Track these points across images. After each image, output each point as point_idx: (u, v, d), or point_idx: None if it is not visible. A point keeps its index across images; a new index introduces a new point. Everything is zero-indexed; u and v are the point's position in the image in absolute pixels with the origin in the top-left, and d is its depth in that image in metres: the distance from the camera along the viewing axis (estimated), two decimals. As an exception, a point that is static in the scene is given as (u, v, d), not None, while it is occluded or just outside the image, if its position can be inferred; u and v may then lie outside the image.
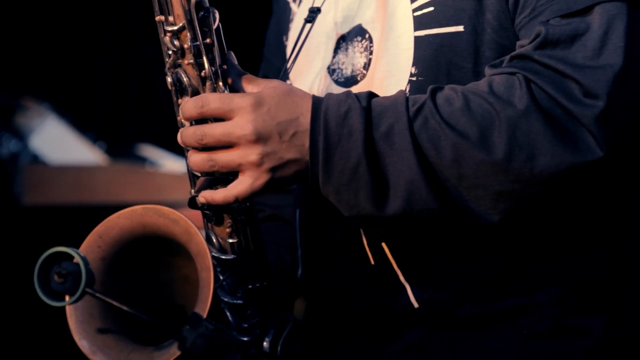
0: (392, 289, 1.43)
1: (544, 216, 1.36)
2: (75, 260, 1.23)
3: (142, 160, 3.32)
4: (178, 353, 1.26)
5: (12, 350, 3.15)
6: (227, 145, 1.29)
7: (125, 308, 1.26)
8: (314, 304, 1.56)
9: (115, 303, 1.25)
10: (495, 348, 1.41)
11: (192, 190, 1.37)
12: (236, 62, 1.35)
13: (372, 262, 1.43)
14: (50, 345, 2.70)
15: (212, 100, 1.29)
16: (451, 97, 1.30)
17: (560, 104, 1.26)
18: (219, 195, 1.31)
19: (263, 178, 1.30)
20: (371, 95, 1.31)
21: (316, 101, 1.31)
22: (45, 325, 2.74)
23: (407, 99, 1.30)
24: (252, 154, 1.28)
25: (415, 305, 1.41)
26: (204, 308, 1.28)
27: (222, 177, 1.31)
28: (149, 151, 3.38)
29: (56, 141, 3.26)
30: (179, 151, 3.53)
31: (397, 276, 1.42)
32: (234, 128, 1.28)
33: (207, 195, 1.31)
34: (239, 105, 1.28)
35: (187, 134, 1.30)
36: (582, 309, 1.41)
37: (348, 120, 1.28)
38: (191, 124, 1.31)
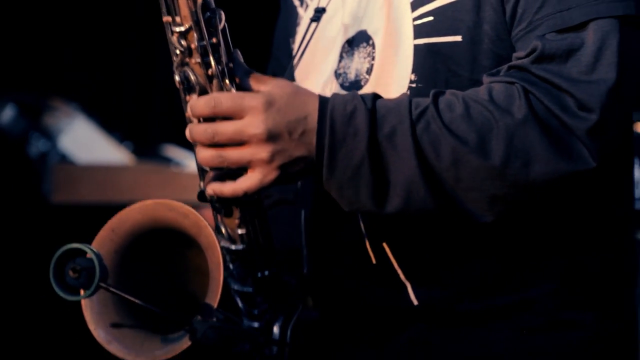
0: (392, 288, 1.43)
1: (539, 216, 1.37)
2: (88, 256, 1.25)
3: (168, 160, 3.31)
4: (189, 343, 1.26)
5: (34, 341, 3.16)
6: (238, 143, 1.30)
7: (137, 301, 1.26)
8: (319, 300, 1.57)
9: (128, 297, 1.26)
10: (492, 342, 1.41)
11: (201, 184, 1.37)
12: (242, 60, 1.36)
13: (374, 262, 1.43)
14: (68, 336, 2.71)
15: (224, 100, 1.29)
16: (453, 102, 1.30)
17: (556, 115, 1.27)
18: (228, 188, 1.31)
19: (272, 174, 1.31)
20: (376, 96, 1.32)
21: (323, 100, 1.32)
22: (64, 317, 2.82)
23: (410, 102, 1.31)
24: (263, 151, 1.29)
25: (415, 302, 1.42)
26: (214, 299, 1.28)
27: (231, 171, 1.32)
28: (174, 152, 3.38)
29: (84, 141, 3.27)
30: None
31: (398, 275, 1.43)
32: (246, 127, 1.29)
33: (215, 188, 1.32)
34: (251, 104, 1.29)
35: (197, 131, 1.31)
36: (575, 304, 1.41)
37: (353, 120, 1.29)
38: (199, 121, 1.32)
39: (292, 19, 1.64)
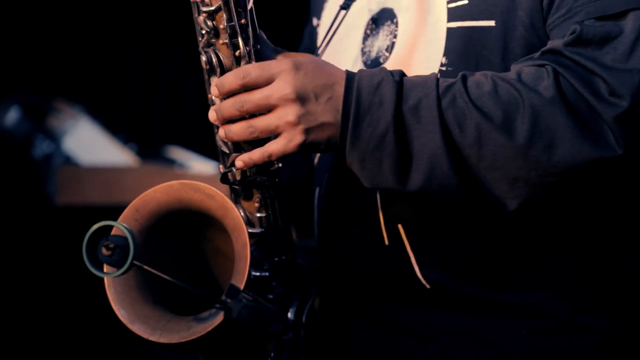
0: (403, 269, 1.44)
1: (558, 213, 1.38)
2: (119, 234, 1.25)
3: (172, 162, 3.33)
4: (217, 323, 1.27)
5: (52, 329, 3.17)
6: (266, 112, 1.31)
7: (171, 279, 1.26)
8: (328, 276, 1.58)
9: (162, 275, 1.26)
10: (504, 342, 1.41)
11: (221, 167, 1.39)
12: (267, 40, 1.38)
13: (387, 243, 1.43)
14: (91, 320, 2.78)
15: (251, 69, 1.31)
16: (481, 81, 1.31)
17: (585, 99, 1.27)
18: (256, 154, 1.32)
19: (298, 139, 1.31)
20: (404, 72, 1.33)
21: (350, 73, 1.33)
22: (82, 304, 2.83)
23: (437, 78, 1.31)
24: (290, 113, 1.30)
25: (427, 286, 1.42)
26: (241, 280, 1.29)
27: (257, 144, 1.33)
28: (178, 153, 3.39)
29: (88, 143, 3.28)
30: (207, 153, 3.51)
31: (409, 258, 1.43)
32: (273, 90, 1.30)
33: (244, 159, 1.34)
34: (279, 68, 1.30)
35: (226, 105, 1.31)
36: (589, 308, 1.41)
37: (380, 91, 1.30)
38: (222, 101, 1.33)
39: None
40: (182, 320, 1.33)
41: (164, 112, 4.38)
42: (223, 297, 1.27)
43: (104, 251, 1.22)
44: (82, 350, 3.13)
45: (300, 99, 1.29)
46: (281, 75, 1.30)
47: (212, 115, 1.33)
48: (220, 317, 1.26)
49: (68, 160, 3.24)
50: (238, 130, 1.31)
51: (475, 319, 1.42)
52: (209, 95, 1.35)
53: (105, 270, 1.24)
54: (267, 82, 1.30)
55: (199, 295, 1.27)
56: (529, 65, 1.32)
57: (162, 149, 3.49)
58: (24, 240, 3.09)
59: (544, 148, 1.27)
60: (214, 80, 1.34)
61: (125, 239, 1.22)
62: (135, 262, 1.22)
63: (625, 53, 1.28)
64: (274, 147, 1.31)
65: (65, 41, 4.12)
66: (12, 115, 3.41)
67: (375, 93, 1.29)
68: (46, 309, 3.09)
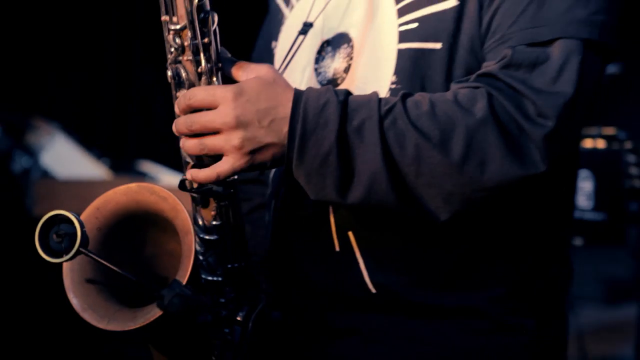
0: (352, 275, 1.43)
1: (491, 222, 1.39)
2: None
3: (143, 175, 3.33)
4: (158, 313, 1.26)
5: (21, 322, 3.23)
6: (215, 132, 1.30)
7: (113, 268, 1.25)
8: (278, 285, 1.56)
9: (105, 262, 1.25)
10: (443, 342, 1.42)
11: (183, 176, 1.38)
12: (229, 55, 1.36)
13: (337, 249, 1.43)
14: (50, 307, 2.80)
15: (197, 93, 1.30)
16: (419, 102, 1.31)
17: (515, 119, 1.28)
18: (202, 174, 1.32)
19: (244, 160, 1.31)
20: (349, 92, 1.32)
21: (297, 93, 1.32)
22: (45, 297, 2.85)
23: (380, 99, 1.31)
24: (234, 138, 1.29)
25: (373, 290, 1.42)
26: (183, 276, 1.28)
27: (210, 162, 1.33)
28: (149, 167, 3.36)
29: (64, 157, 3.34)
30: (176, 167, 3.54)
31: (358, 263, 1.43)
32: (217, 116, 1.29)
33: (193, 173, 1.33)
34: (222, 95, 1.29)
35: (179, 122, 1.31)
36: (520, 310, 1.43)
37: (325, 112, 1.29)
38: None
39: (276, 21, 1.64)
40: (129, 311, 1.32)
41: (136, 128, 4.40)
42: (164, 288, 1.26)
43: (55, 238, 1.22)
44: (60, 351, 3.18)
45: (242, 124, 1.30)
46: (224, 101, 1.29)
47: (173, 127, 1.34)
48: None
49: (45, 174, 3.27)
50: (191, 145, 1.31)
51: (418, 321, 1.43)
52: (176, 111, 1.36)
53: (62, 257, 1.23)
54: (212, 106, 1.30)
55: (138, 284, 1.27)
56: (465, 87, 1.32)
57: (133, 162, 3.50)
58: (5, 246, 3.11)
59: (477, 165, 1.28)
60: (179, 95, 1.34)
61: (75, 227, 1.21)
62: (82, 249, 1.22)
63: (552, 77, 1.30)
64: (221, 167, 1.31)
65: (43, 64, 4.14)
66: (-8, 133, 3.37)
67: (321, 114, 1.29)
68: (23, 312, 3.16)
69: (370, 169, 1.29)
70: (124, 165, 3.48)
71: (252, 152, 1.30)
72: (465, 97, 1.30)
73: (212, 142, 1.30)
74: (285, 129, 1.30)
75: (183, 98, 1.30)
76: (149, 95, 4.10)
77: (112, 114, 4.43)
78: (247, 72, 1.34)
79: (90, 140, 3.59)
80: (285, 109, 1.30)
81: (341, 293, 1.45)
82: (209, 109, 1.30)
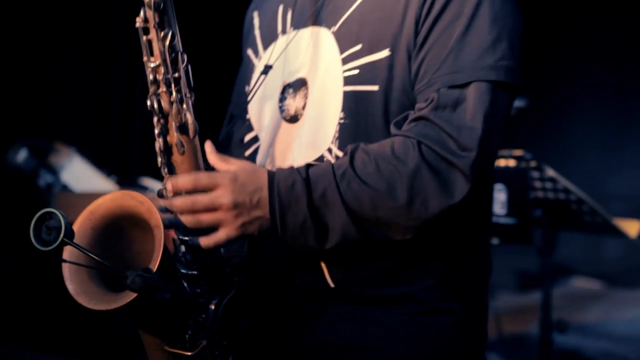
0: (315, 273, 1.53)
1: (427, 233, 1.48)
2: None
3: (145, 188, 3.49)
4: (133, 295, 1.30)
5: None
6: (211, 209, 1.39)
7: (92, 255, 1.30)
8: (254, 278, 1.64)
9: (85, 251, 1.30)
10: (389, 322, 1.52)
11: (177, 236, 1.46)
12: (214, 149, 1.46)
13: (304, 253, 1.51)
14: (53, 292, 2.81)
15: (203, 177, 1.40)
16: (365, 162, 1.40)
17: (444, 158, 1.38)
18: (203, 242, 1.42)
19: (237, 230, 1.41)
20: (308, 167, 1.42)
21: (270, 176, 1.41)
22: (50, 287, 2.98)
23: (333, 167, 1.41)
24: (230, 215, 1.39)
25: (332, 285, 1.52)
26: (153, 265, 1.34)
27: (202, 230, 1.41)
28: (149, 182, 3.59)
29: (80, 175, 3.52)
30: None
31: (320, 264, 1.53)
32: (218, 198, 1.39)
33: (194, 241, 1.42)
34: (222, 181, 1.39)
35: (179, 202, 1.40)
36: (450, 296, 1.54)
37: (294, 191, 1.40)
38: (176, 194, 1.41)
39: (249, 70, 1.72)
40: (113, 295, 1.37)
41: (138, 151, 4.61)
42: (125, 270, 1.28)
43: (46, 231, 1.28)
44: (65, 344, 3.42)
45: (237, 204, 1.39)
46: (223, 186, 1.39)
47: (167, 204, 1.41)
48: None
49: (65, 188, 3.48)
50: (189, 222, 1.40)
51: (369, 307, 1.52)
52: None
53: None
54: (212, 189, 1.39)
55: (110, 269, 1.32)
56: (401, 135, 1.41)
57: (136, 179, 3.67)
58: (32, 254, 3.22)
59: (421, 204, 1.39)
60: (168, 181, 1.42)
61: (60, 221, 1.25)
62: (66, 240, 1.26)
63: (471, 114, 1.39)
64: (217, 238, 1.40)
65: (61, 97, 4.37)
66: (22, 155, 3.63)
67: (291, 193, 1.39)
68: (46, 308, 3.43)
69: (340, 223, 1.40)
70: (128, 181, 3.65)
71: (244, 224, 1.41)
72: (400, 149, 1.40)
73: (209, 219, 1.40)
74: (268, 208, 1.41)
75: (188, 180, 1.39)
76: (148, 124, 4.13)
77: (120, 140, 4.53)
78: (229, 164, 1.44)
79: (101, 161, 3.80)
80: (266, 190, 1.41)
81: (306, 287, 1.54)
82: (204, 190, 1.40)
